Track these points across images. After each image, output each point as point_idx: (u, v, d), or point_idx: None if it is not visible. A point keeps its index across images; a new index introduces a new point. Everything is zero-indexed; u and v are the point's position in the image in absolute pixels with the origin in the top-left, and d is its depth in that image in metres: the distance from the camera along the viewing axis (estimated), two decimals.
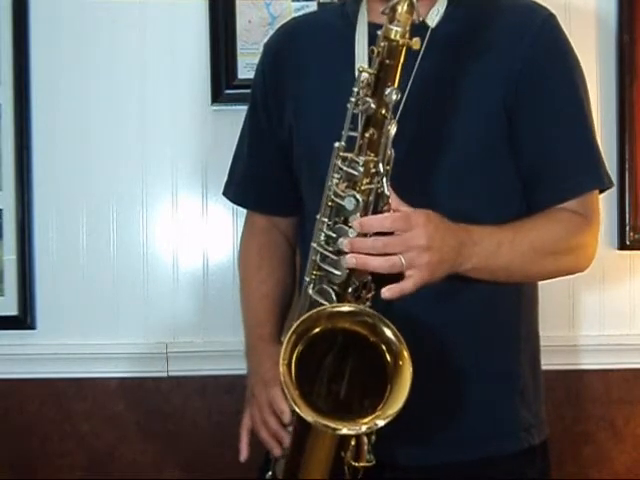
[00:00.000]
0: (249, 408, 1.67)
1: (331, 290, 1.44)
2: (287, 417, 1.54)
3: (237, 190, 1.87)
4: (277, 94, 1.75)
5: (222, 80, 2.26)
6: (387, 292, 1.38)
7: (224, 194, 1.90)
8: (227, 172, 1.89)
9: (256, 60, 1.87)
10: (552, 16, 1.64)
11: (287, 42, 1.77)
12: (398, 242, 1.38)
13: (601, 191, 1.67)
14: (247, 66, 2.24)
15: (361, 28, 1.64)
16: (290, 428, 1.54)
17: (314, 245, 1.46)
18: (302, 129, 1.71)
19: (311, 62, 1.70)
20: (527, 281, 1.68)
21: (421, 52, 1.50)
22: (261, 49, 1.85)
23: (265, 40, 1.90)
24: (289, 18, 2.13)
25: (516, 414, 1.66)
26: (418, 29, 1.42)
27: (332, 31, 1.71)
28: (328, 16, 1.79)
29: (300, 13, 2.22)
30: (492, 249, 1.50)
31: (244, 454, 1.67)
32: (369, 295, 1.45)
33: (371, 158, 1.40)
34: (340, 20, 1.71)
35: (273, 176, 1.81)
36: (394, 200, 1.40)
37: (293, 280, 1.83)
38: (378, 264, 1.38)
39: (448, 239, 1.43)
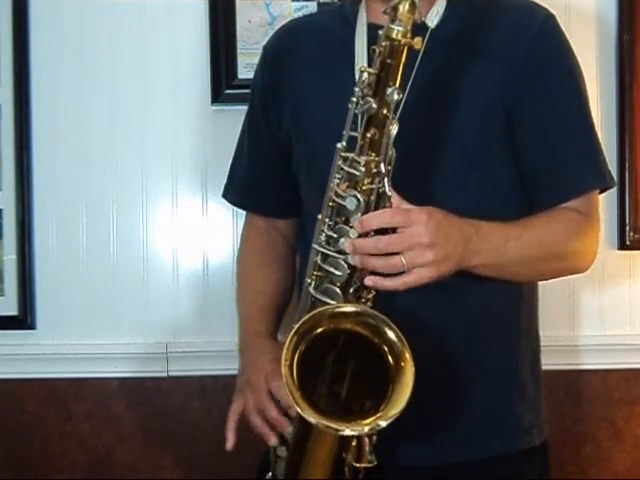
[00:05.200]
0: (241, 395, 1.64)
1: (336, 288, 1.44)
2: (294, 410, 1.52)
3: (236, 192, 1.88)
4: (276, 96, 1.75)
5: (222, 80, 2.26)
6: (369, 280, 1.39)
7: (224, 196, 1.90)
8: (227, 173, 1.89)
9: (256, 60, 1.87)
10: (551, 16, 1.64)
11: (285, 44, 1.77)
12: (399, 240, 1.37)
13: (602, 191, 1.67)
14: (247, 66, 2.24)
15: (360, 29, 1.65)
16: (289, 429, 1.53)
17: (315, 246, 1.46)
18: (301, 130, 1.71)
19: (310, 63, 1.71)
20: (531, 280, 1.68)
21: (420, 53, 1.50)
22: (261, 49, 1.85)
23: (265, 40, 1.90)
24: (289, 18, 2.15)
25: (516, 414, 1.66)
26: (417, 30, 1.42)
27: (331, 32, 1.72)
28: (326, 18, 1.79)
29: (300, 13, 2.22)
30: (500, 245, 1.49)
31: (230, 442, 1.63)
32: (370, 295, 1.45)
33: (372, 158, 1.40)
34: (338, 21, 1.71)
35: (272, 178, 1.81)
36: (395, 199, 1.40)
37: (292, 281, 1.83)
38: (379, 265, 1.38)
39: (453, 235, 1.42)
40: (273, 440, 1.55)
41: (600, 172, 1.64)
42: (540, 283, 1.75)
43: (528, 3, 1.68)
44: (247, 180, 1.85)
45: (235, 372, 1.78)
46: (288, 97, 1.72)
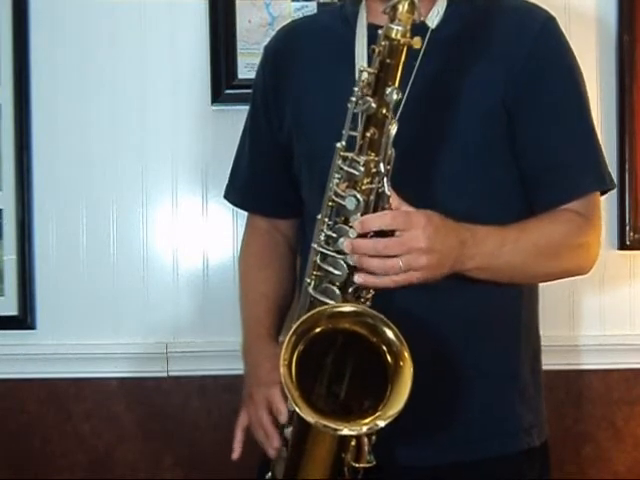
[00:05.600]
0: (245, 408, 1.67)
1: (335, 288, 1.44)
2: (284, 417, 1.53)
3: (238, 193, 1.88)
4: (277, 96, 1.75)
5: (222, 80, 2.26)
6: (359, 278, 1.39)
7: (225, 197, 1.90)
8: (227, 172, 1.89)
9: (256, 60, 1.87)
10: (552, 19, 1.64)
11: (286, 44, 1.78)
12: (398, 244, 1.38)
13: (603, 192, 1.67)
14: (247, 66, 2.24)
15: (361, 29, 1.65)
16: (288, 429, 1.53)
17: (314, 245, 1.46)
18: (302, 131, 1.71)
19: (311, 64, 1.71)
20: (529, 282, 1.68)
21: (421, 53, 1.50)
22: (261, 49, 1.85)
23: (265, 40, 1.90)
24: (289, 18, 2.15)
25: (516, 414, 1.66)
26: (418, 30, 1.42)
27: (331, 33, 1.72)
28: (327, 18, 1.79)
29: (300, 13, 2.22)
30: (495, 249, 1.50)
31: (237, 453, 1.65)
32: (369, 295, 1.44)
33: (372, 158, 1.40)
34: (339, 22, 1.71)
35: (274, 179, 1.81)
36: (395, 200, 1.40)
37: (293, 282, 1.83)
38: (377, 266, 1.38)
39: (449, 240, 1.43)
40: (271, 452, 1.57)
41: (600, 174, 1.64)
42: (540, 283, 1.75)
43: (529, 5, 1.68)
44: (248, 181, 1.85)
45: (236, 372, 1.79)
46: (289, 97, 1.72)
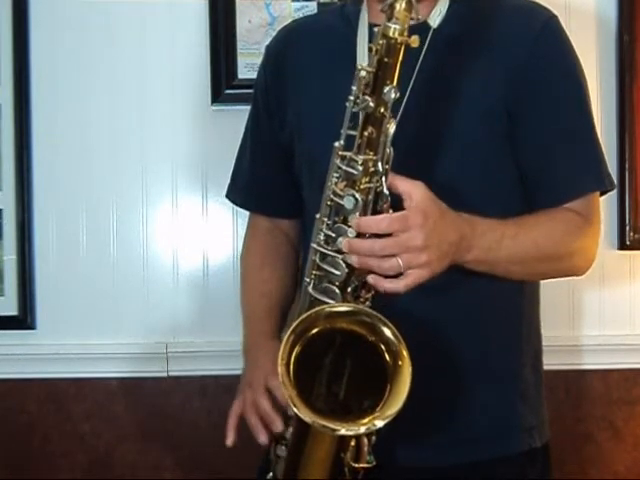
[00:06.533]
0: (242, 395, 1.65)
1: (335, 288, 1.43)
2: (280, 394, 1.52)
3: (240, 193, 1.88)
4: (278, 96, 1.75)
5: (222, 80, 2.26)
6: (371, 278, 1.38)
7: (227, 196, 1.90)
8: (227, 172, 1.89)
9: (256, 60, 1.87)
10: (554, 18, 1.64)
11: (288, 44, 1.77)
12: (395, 244, 1.36)
13: (602, 193, 1.67)
14: (247, 66, 2.24)
15: (362, 29, 1.65)
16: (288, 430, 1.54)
17: (314, 245, 1.45)
18: (303, 130, 1.71)
19: (312, 63, 1.71)
20: (526, 279, 1.67)
21: (423, 52, 1.50)
22: (261, 49, 1.86)
23: (265, 40, 1.90)
24: (289, 18, 2.15)
25: (517, 414, 1.66)
26: (420, 29, 1.42)
27: (333, 32, 1.72)
28: (328, 18, 1.79)
29: (300, 13, 2.23)
30: (494, 242, 1.49)
31: (230, 439, 1.63)
32: (368, 295, 1.44)
33: (370, 157, 1.39)
34: (340, 21, 1.71)
35: (275, 178, 1.81)
36: (391, 177, 1.39)
37: (295, 281, 1.83)
38: (377, 265, 1.37)
39: (448, 235, 1.42)
40: (262, 438, 1.56)
41: (599, 175, 1.63)
42: (541, 283, 1.75)
43: (531, 4, 1.68)
44: (250, 180, 1.84)
45: (236, 372, 1.78)
46: (290, 97, 1.72)
